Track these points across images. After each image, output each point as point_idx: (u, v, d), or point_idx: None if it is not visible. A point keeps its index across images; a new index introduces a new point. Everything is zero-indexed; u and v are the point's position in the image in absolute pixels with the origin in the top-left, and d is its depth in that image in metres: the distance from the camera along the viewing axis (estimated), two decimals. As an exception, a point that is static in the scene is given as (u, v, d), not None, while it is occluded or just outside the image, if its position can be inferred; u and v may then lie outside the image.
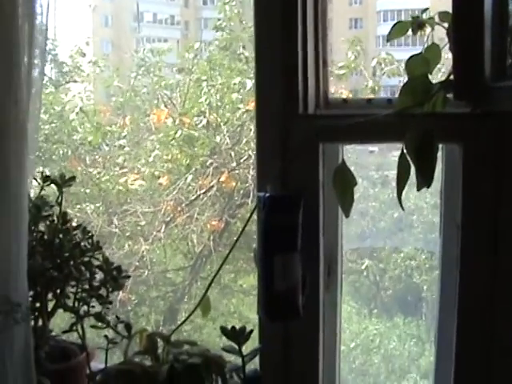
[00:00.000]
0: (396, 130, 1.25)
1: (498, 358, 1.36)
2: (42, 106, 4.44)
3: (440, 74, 1.45)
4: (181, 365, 1.31)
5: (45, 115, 4.69)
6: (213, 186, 4.51)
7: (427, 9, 1.43)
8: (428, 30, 1.40)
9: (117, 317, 1.44)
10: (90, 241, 1.50)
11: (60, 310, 1.49)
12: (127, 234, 4.59)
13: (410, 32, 1.40)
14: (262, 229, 1.39)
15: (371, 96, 3.88)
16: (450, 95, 1.28)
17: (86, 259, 1.48)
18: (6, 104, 1.28)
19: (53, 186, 1.51)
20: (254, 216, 1.42)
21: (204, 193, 4.53)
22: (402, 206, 1.26)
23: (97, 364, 1.47)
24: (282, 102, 1.47)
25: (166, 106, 4.80)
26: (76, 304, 1.47)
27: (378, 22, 4.93)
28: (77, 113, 4.82)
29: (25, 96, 1.31)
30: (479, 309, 1.37)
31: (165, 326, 4.46)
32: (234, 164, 4.49)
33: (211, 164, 4.49)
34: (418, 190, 1.26)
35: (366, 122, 1.30)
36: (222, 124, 4.49)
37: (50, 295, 1.47)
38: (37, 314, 1.45)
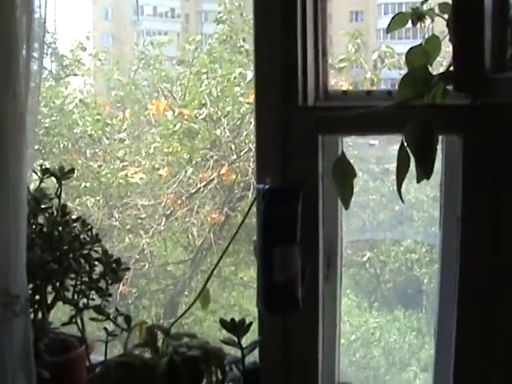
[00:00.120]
0: (396, 121, 1.24)
1: (497, 350, 1.35)
2: (41, 99, 4.45)
3: (442, 68, 1.44)
4: (180, 357, 1.31)
5: (45, 108, 4.69)
6: (213, 179, 4.51)
7: (427, 0, 1.42)
8: (428, 21, 1.40)
9: (116, 309, 1.44)
10: (89, 233, 1.50)
11: (60, 303, 1.49)
12: (127, 228, 4.59)
13: (410, 24, 1.39)
14: (262, 221, 1.39)
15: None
16: (449, 87, 1.28)
17: (86, 252, 1.48)
18: (4, 97, 1.27)
19: (53, 178, 1.51)
20: (255, 209, 1.42)
21: (204, 186, 4.53)
22: (401, 198, 1.26)
23: (97, 356, 1.48)
24: (281, 94, 1.46)
25: (166, 99, 4.80)
26: (75, 296, 1.47)
27: (378, 15, 4.91)
28: (77, 105, 4.82)
29: (23, 89, 1.31)
30: (479, 302, 1.37)
31: (165, 319, 4.46)
32: (235, 157, 4.49)
33: (211, 157, 4.49)
34: (418, 182, 1.26)
35: (366, 113, 1.30)
36: (222, 117, 4.49)
37: (49, 288, 1.47)
38: (36, 306, 1.45)
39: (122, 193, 4.64)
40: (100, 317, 1.43)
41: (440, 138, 1.28)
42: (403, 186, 1.26)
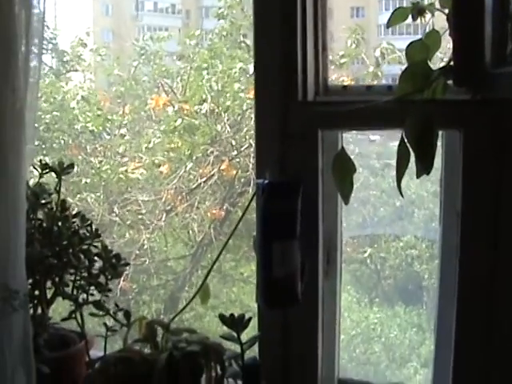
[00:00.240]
0: (396, 116, 1.24)
1: (497, 345, 1.35)
2: (41, 95, 4.45)
3: (442, 63, 1.44)
4: (180, 352, 1.31)
5: (45, 104, 4.69)
6: (213, 175, 4.51)
7: (428, -6, 1.42)
8: (428, 16, 1.39)
9: (116, 305, 1.44)
10: (88, 228, 1.50)
11: (59, 298, 1.49)
12: (128, 223, 4.59)
13: (411, 21, 1.39)
14: (261, 215, 1.39)
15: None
16: (450, 82, 1.27)
17: (85, 247, 1.48)
18: (3, 92, 1.27)
19: (53, 174, 1.51)
20: (255, 204, 1.42)
21: (205, 181, 4.53)
22: (401, 193, 1.26)
23: (96, 352, 1.48)
24: (281, 89, 1.46)
25: (166, 95, 4.80)
26: (75, 292, 1.47)
27: (379, 11, 4.90)
28: (77, 101, 4.82)
29: (22, 84, 1.30)
30: (479, 297, 1.37)
31: (166, 315, 4.46)
32: (235, 152, 4.49)
33: (212, 152, 4.49)
34: (418, 177, 1.25)
35: (366, 108, 1.30)
36: (222, 112, 4.49)
37: (49, 283, 1.47)
38: (36, 301, 1.45)
39: (123, 188, 4.64)
40: (100, 312, 1.44)
41: (440, 133, 1.28)
42: (404, 181, 1.26)
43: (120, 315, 1.42)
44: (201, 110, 4.49)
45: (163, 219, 4.56)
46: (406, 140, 1.24)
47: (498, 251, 1.34)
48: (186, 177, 4.55)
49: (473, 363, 1.38)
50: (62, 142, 4.78)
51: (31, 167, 1.47)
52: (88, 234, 1.49)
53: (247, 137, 4.42)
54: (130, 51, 5.13)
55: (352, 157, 1.34)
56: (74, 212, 1.52)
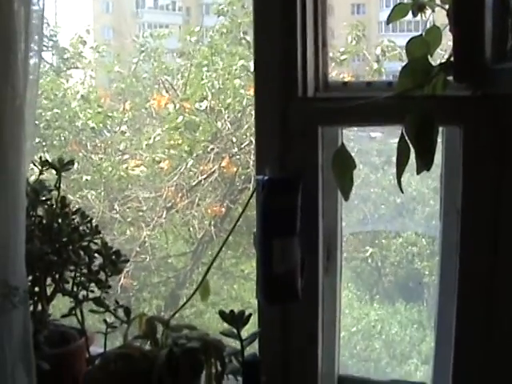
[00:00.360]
0: (396, 112, 1.24)
1: (496, 342, 1.35)
2: (42, 92, 4.44)
3: (443, 60, 1.44)
4: (180, 349, 1.31)
5: (46, 101, 4.69)
6: (214, 172, 4.50)
7: (428, -10, 1.41)
8: (429, 12, 1.39)
9: (116, 301, 1.44)
10: (88, 225, 1.50)
11: (59, 295, 1.49)
12: (128, 220, 4.59)
13: (411, 17, 1.39)
14: (261, 212, 1.39)
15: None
16: (450, 78, 1.27)
17: (85, 243, 1.48)
18: (2, 89, 1.27)
19: (53, 170, 1.51)
20: (255, 201, 1.42)
21: (205, 178, 4.53)
22: (401, 189, 1.26)
23: (96, 348, 1.48)
24: (281, 85, 1.46)
25: (167, 92, 4.79)
26: (75, 288, 1.47)
27: (380, 8, 4.90)
28: (78, 99, 4.82)
29: (22, 82, 1.30)
30: (479, 293, 1.37)
31: (166, 312, 4.46)
32: (236, 149, 4.48)
33: (212, 149, 4.48)
34: (418, 173, 1.25)
35: (366, 104, 1.30)
36: (223, 109, 4.48)
37: (49, 280, 1.47)
38: (36, 298, 1.45)
39: (123, 185, 4.63)
40: (99, 309, 1.44)
41: (440, 129, 1.28)
42: (404, 178, 1.26)
43: (120, 312, 1.42)
44: (201, 106, 4.49)
45: (164, 216, 4.56)
46: (406, 136, 1.24)
47: (498, 248, 1.34)
48: (187, 174, 4.55)
49: (473, 360, 1.38)
50: (63, 139, 4.77)
51: (31, 164, 1.47)
52: (88, 231, 1.49)
53: (248, 134, 4.41)
54: (131, 48, 5.13)
55: (353, 154, 1.34)
56: (73, 209, 1.52)
